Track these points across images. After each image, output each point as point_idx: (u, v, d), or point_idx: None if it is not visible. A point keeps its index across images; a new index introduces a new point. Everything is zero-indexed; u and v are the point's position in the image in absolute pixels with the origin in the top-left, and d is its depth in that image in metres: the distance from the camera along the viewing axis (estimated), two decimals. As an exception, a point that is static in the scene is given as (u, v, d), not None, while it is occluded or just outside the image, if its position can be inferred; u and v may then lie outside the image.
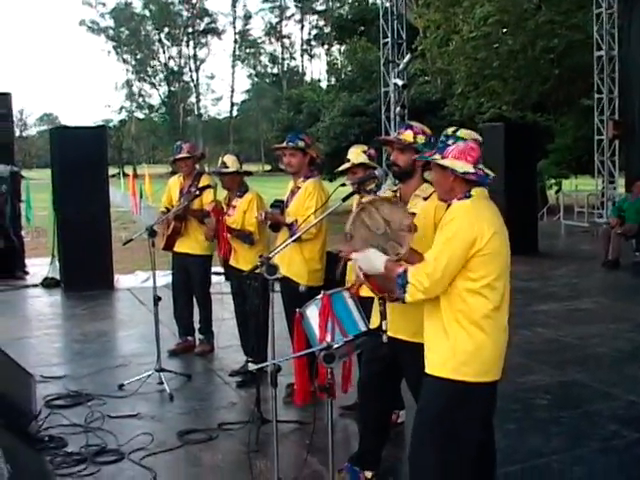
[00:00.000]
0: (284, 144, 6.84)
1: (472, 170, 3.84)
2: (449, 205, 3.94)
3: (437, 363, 3.88)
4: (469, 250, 3.73)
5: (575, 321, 9.77)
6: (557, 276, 13.39)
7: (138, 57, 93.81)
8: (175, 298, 8.71)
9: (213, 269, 8.77)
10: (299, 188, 6.76)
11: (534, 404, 6.67)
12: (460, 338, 3.80)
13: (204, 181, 8.32)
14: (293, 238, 5.36)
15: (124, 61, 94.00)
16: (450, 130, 3.99)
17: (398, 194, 4.73)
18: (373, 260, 3.99)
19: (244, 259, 7.33)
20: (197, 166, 8.63)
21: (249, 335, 6.98)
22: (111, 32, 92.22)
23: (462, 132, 3.95)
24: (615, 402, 6.67)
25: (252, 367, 6.73)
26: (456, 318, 3.81)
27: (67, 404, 6.76)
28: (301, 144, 6.74)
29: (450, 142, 3.92)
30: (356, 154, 6.08)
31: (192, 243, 8.41)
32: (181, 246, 8.48)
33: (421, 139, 4.63)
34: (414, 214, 4.35)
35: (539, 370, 7.66)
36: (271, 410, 4.87)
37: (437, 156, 3.94)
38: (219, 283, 9.04)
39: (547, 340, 8.88)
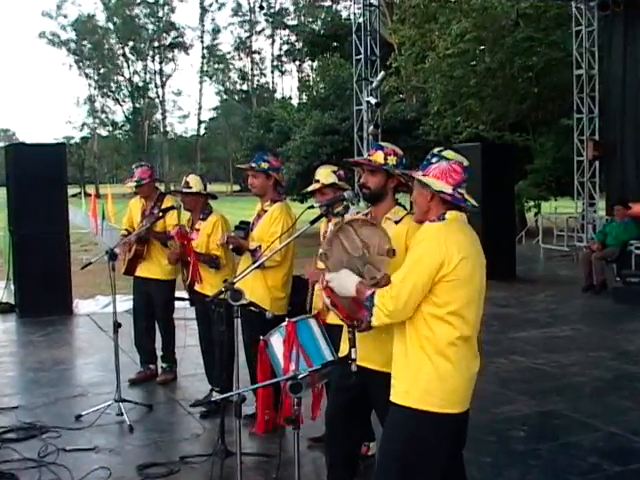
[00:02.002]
0: (248, 164, 6.86)
1: (449, 191, 3.85)
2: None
3: (401, 391, 3.89)
4: (435, 274, 3.73)
5: (554, 349, 9.81)
6: (535, 302, 13.45)
7: (101, 72, 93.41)
8: (136, 324, 8.64)
9: (177, 294, 8.72)
10: (265, 211, 6.76)
11: (510, 436, 6.66)
12: (424, 366, 3.81)
13: (167, 202, 8.30)
14: (256, 265, 5.33)
15: (86, 76, 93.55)
16: (437, 149, 4.02)
17: (369, 217, 4.73)
18: (344, 281, 3.98)
19: (210, 284, 7.30)
20: (160, 187, 8.58)
21: (214, 363, 6.94)
22: (73, 45, 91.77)
23: (447, 153, 3.97)
24: (595, 433, 6.68)
25: (216, 397, 6.70)
26: (421, 345, 3.81)
27: (20, 437, 6.65)
28: (264, 165, 6.74)
29: (434, 160, 3.94)
30: (325, 174, 6.09)
31: (154, 267, 8.37)
32: (143, 270, 8.44)
33: (392, 160, 4.63)
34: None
35: (516, 400, 7.67)
36: (235, 442, 4.83)
37: (419, 173, 3.96)
38: (184, 308, 9.00)
39: (524, 368, 8.90)
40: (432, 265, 3.72)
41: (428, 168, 3.94)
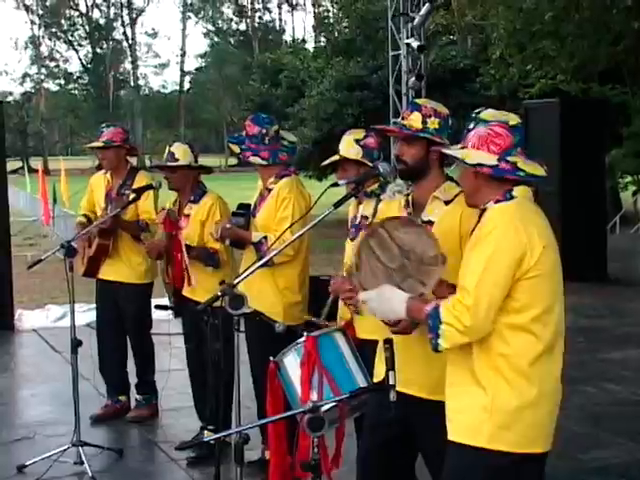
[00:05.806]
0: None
1: (493, 162, 3.90)
2: (483, 211, 3.98)
3: (467, 427, 3.91)
4: (516, 270, 3.77)
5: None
6: (635, 311, 13.44)
7: (47, 4, 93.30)
8: (101, 342, 8.67)
9: (158, 301, 8.72)
10: (270, 191, 6.81)
11: (605, 490, 6.69)
12: (501, 392, 3.83)
13: (141, 180, 8.27)
14: (262, 262, 5.35)
15: (28, 10, 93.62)
16: (475, 111, 4.08)
17: (410, 198, 4.75)
18: (388, 298, 4.01)
19: (204, 288, 7.27)
20: (132, 160, 8.57)
21: (206, 393, 6.98)
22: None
23: (485, 113, 4.04)
24: None
25: (209, 437, 6.75)
26: (494, 365, 3.84)
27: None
28: (244, 132, 6.86)
29: (471, 126, 4.02)
30: (347, 144, 6.03)
31: (124, 268, 8.39)
32: (109, 272, 8.45)
33: (433, 123, 4.61)
34: (431, 223, 4.37)
35: (611, 443, 7.67)
36: (235, 498, 4.87)
37: (458, 146, 4.02)
38: (167, 321, 9.03)
39: (621, 401, 8.92)
40: (512, 259, 3.76)
41: (467, 137, 4.02)
